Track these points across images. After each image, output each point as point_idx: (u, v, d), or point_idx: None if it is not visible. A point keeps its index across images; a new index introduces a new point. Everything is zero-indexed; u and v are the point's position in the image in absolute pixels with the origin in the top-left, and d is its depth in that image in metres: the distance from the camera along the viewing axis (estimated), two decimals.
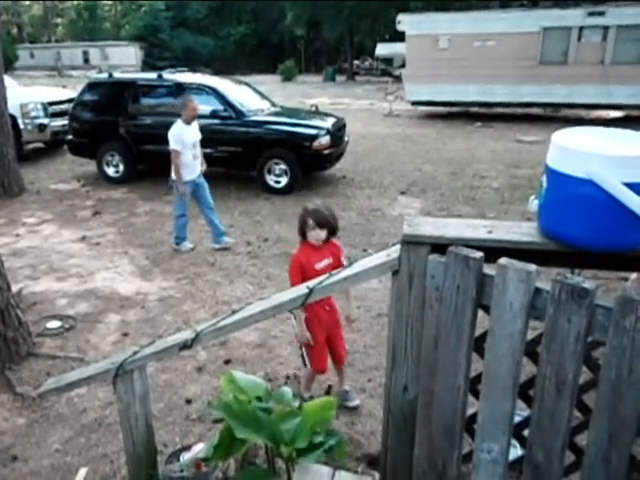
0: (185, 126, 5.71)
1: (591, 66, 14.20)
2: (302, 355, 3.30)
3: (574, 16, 14.21)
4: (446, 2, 27.49)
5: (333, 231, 3.20)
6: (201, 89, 8.28)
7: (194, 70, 10.69)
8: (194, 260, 5.71)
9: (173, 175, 5.73)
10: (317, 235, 3.11)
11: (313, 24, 41.46)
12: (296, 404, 2.39)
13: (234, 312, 2.10)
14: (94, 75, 11.92)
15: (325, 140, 7.95)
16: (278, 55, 45.35)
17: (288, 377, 3.64)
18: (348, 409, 3.27)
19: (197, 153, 5.85)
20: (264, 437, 2.17)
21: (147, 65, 40.66)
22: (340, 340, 3.33)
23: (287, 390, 2.59)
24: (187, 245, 6.02)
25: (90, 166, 9.51)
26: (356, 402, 3.32)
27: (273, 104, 9.47)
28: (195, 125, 5.88)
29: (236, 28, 48.38)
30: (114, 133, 8.62)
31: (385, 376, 1.98)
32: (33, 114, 10.27)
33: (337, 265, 3.14)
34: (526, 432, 1.66)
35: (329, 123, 8.44)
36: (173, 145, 5.60)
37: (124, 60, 41.84)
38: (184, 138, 5.64)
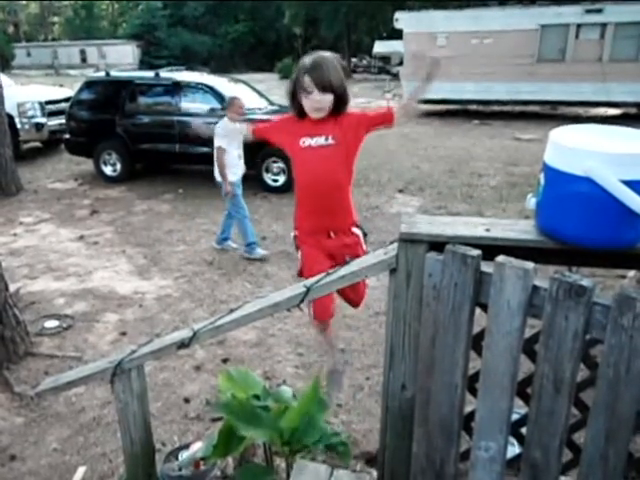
0: (232, 124, 5.46)
1: (589, 64, 14.21)
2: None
3: (572, 13, 14.22)
4: None
5: (341, 99, 2.08)
6: (198, 87, 8.28)
7: (191, 68, 10.68)
8: (192, 259, 5.70)
9: (217, 176, 5.58)
10: (314, 102, 2.00)
11: (311, 22, 41.43)
12: (295, 403, 2.39)
13: (232, 311, 2.10)
14: (91, 74, 11.90)
15: None
16: (276, 53, 45.29)
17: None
18: (345, 408, 3.27)
19: (241, 153, 5.72)
20: (265, 435, 2.16)
21: (144, 64, 40.65)
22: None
23: (286, 389, 2.59)
24: (260, 251, 5.65)
25: (87, 165, 9.49)
26: (339, 394, 3.15)
27: (271, 102, 9.46)
28: (238, 125, 5.76)
29: (233, 26, 48.31)
30: (111, 132, 8.60)
31: (383, 374, 1.98)
32: (30, 113, 10.24)
33: (342, 153, 2.12)
34: (524, 430, 1.66)
35: None
36: (219, 142, 5.39)
37: (121, 59, 41.84)
38: (231, 136, 5.43)
